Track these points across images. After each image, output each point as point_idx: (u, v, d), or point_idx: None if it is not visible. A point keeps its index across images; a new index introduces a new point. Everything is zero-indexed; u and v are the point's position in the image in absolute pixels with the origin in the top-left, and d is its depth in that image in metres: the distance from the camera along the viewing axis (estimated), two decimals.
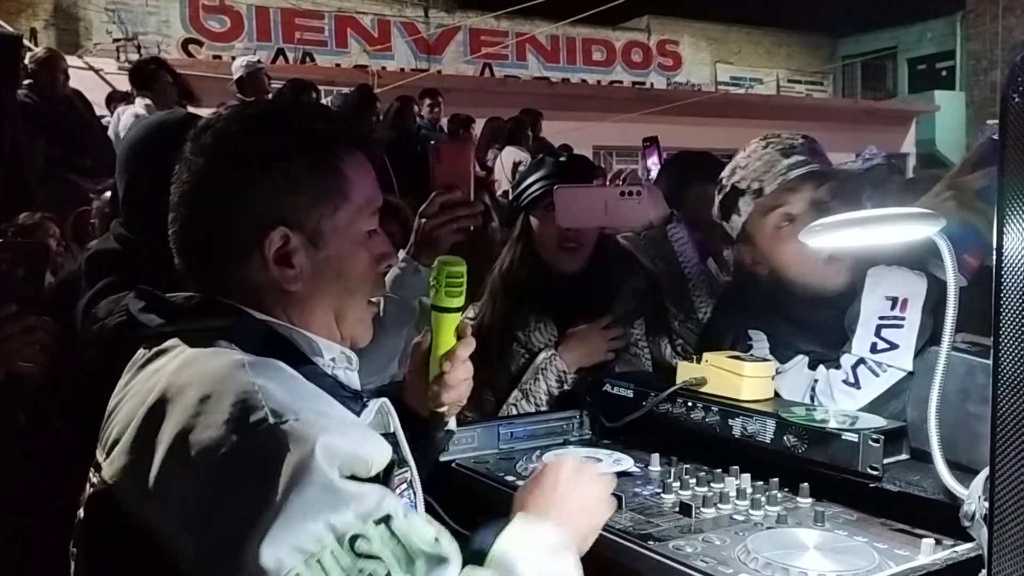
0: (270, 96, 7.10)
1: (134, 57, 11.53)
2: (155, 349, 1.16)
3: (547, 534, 1.09)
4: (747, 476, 1.47)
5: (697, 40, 19.40)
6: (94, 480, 1.12)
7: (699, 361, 1.69)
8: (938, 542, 1.23)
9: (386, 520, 0.96)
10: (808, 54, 21.05)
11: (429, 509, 1.31)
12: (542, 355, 2.13)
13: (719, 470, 1.51)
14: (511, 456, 1.71)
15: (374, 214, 1.24)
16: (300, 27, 15.45)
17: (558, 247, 2.17)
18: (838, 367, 1.71)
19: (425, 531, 0.99)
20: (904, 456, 1.41)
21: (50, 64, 5.90)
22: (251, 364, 1.05)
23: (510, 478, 1.57)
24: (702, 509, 1.38)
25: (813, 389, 1.72)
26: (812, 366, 1.75)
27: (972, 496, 1.15)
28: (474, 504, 1.50)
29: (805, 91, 20.39)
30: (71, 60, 6.99)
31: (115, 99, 7.17)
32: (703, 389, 1.66)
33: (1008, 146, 0.89)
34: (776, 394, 1.67)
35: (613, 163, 13.07)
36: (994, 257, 0.91)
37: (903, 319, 1.67)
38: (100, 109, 6.76)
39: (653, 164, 3.52)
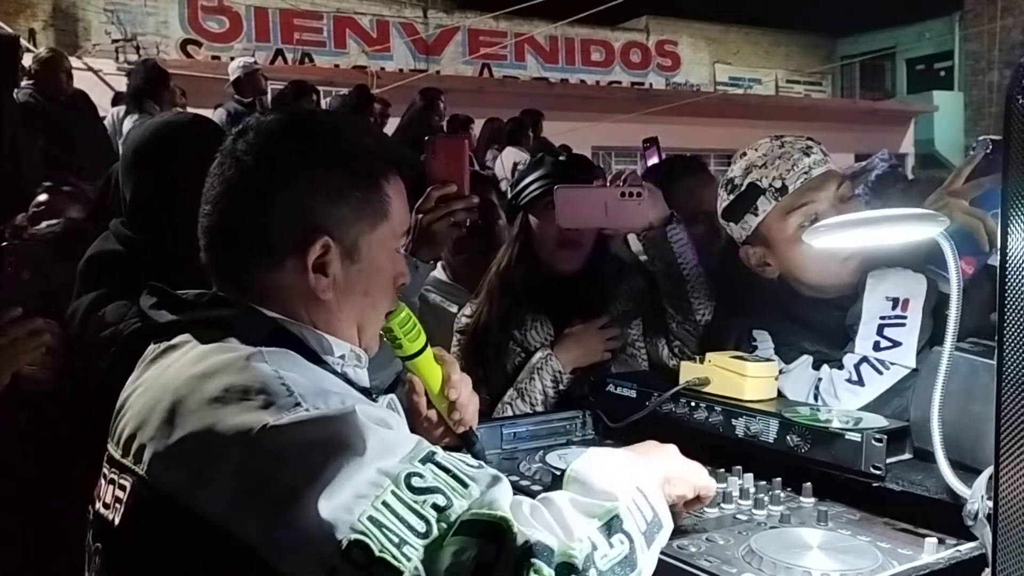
0: (269, 96, 7.11)
1: (133, 58, 11.54)
2: (165, 345, 1.17)
3: (618, 453, 1.17)
4: (750, 476, 1.47)
5: (696, 40, 19.41)
6: (109, 474, 1.14)
7: (702, 361, 1.70)
8: (941, 541, 1.23)
9: (430, 457, 1.01)
10: (806, 54, 21.07)
11: None
12: (538, 354, 2.13)
13: (722, 470, 1.51)
14: (514, 456, 1.71)
15: (404, 235, 1.29)
16: (299, 28, 15.45)
17: (556, 247, 2.17)
18: (841, 367, 1.71)
19: (468, 460, 1.05)
20: (907, 456, 1.42)
21: (53, 64, 5.87)
22: (268, 353, 1.09)
23: (513, 478, 1.57)
24: (705, 508, 1.38)
25: (817, 388, 1.72)
26: (816, 366, 1.76)
27: (975, 495, 1.16)
28: None
29: (804, 91, 20.41)
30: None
31: (121, 101, 7.13)
32: (706, 389, 1.66)
33: (1012, 148, 0.89)
34: (780, 394, 1.68)
35: (612, 164, 13.07)
36: (998, 257, 0.91)
37: (905, 318, 1.68)
38: (102, 111, 6.75)
39: (653, 165, 3.51)
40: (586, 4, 13.10)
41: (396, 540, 0.93)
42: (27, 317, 1.75)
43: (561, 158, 2.44)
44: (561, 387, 2.10)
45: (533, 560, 0.93)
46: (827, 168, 1.80)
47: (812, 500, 1.43)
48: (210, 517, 0.99)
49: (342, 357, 1.22)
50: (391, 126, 7.74)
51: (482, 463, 1.07)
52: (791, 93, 19.89)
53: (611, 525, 1.03)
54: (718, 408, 1.61)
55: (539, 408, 2.07)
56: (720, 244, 2.14)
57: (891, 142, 16.67)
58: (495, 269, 2.23)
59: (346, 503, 0.93)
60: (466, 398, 1.40)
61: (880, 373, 1.66)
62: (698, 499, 1.27)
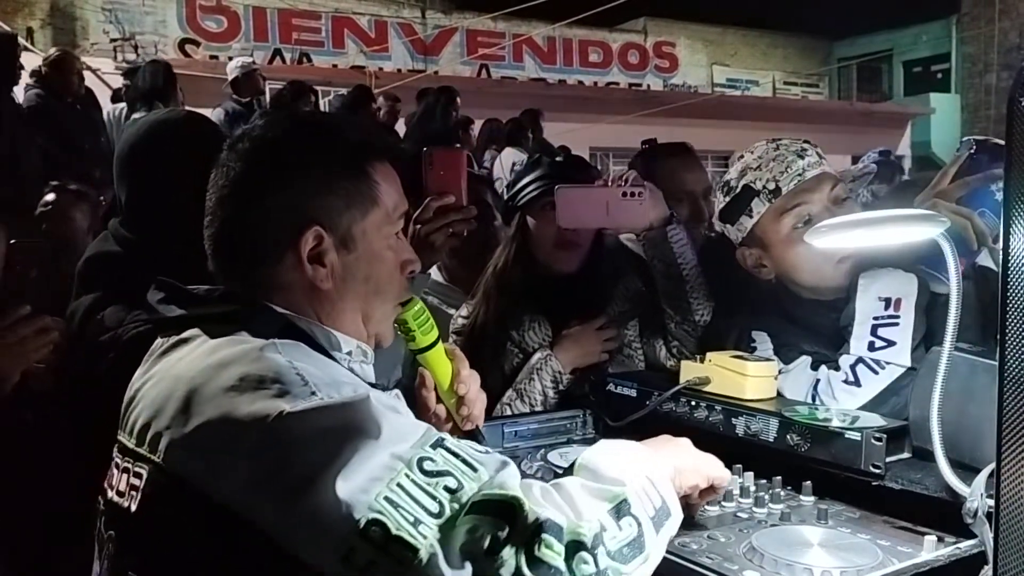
0: (267, 96, 7.11)
1: (131, 57, 11.54)
2: (176, 338, 1.19)
3: (627, 444, 1.21)
4: (750, 474, 1.48)
5: (693, 42, 19.43)
6: (123, 463, 1.16)
7: (703, 360, 1.71)
8: (940, 539, 1.24)
9: (440, 443, 1.05)
10: (804, 56, 21.09)
11: None
12: (537, 355, 2.13)
13: None
14: (515, 455, 1.71)
15: (400, 219, 1.30)
16: (297, 27, 15.45)
17: (554, 247, 2.17)
18: (837, 368, 1.72)
19: (475, 446, 1.08)
20: (906, 455, 1.43)
21: (63, 65, 5.81)
22: (282, 345, 1.11)
23: None
24: (706, 507, 1.39)
25: (815, 389, 1.73)
26: (814, 367, 1.76)
27: (974, 493, 1.17)
28: None
29: (801, 93, 20.44)
30: None
31: (121, 99, 7.11)
32: (707, 388, 1.67)
33: (1014, 149, 0.90)
34: (779, 394, 1.69)
35: (610, 165, 13.06)
36: (1000, 257, 0.92)
37: (898, 317, 1.69)
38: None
39: (640, 150, 3.51)
40: (584, 5, 13.12)
41: (412, 519, 0.96)
42: (36, 315, 1.75)
43: (558, 158, 2.44)
44: (561, 387, 2.10)
45: (544, 536, 0.97)
46: (821, 170, 1.81)
47: (812, 498, 1.44)
48: (227, 503, 1.01)
49: (349, 354, 1.24)
50: (399, 123, 7.78)
51: (489, 449, 1.10)
52: (788, 95, 19.90)
53: (620, 509, 1.06)
54: (718, 407, 1.62)
55: (538, 408, 2.07)
56: (704, 224, 2.17)
57: (888, 144, 16.57)
58: (492, 270, 2.23)
59: (363, 485, 0.96)
60: (475, 394, 1.42)
61: (876, 373, 1.67)
62: (712, 489, 1.30)
